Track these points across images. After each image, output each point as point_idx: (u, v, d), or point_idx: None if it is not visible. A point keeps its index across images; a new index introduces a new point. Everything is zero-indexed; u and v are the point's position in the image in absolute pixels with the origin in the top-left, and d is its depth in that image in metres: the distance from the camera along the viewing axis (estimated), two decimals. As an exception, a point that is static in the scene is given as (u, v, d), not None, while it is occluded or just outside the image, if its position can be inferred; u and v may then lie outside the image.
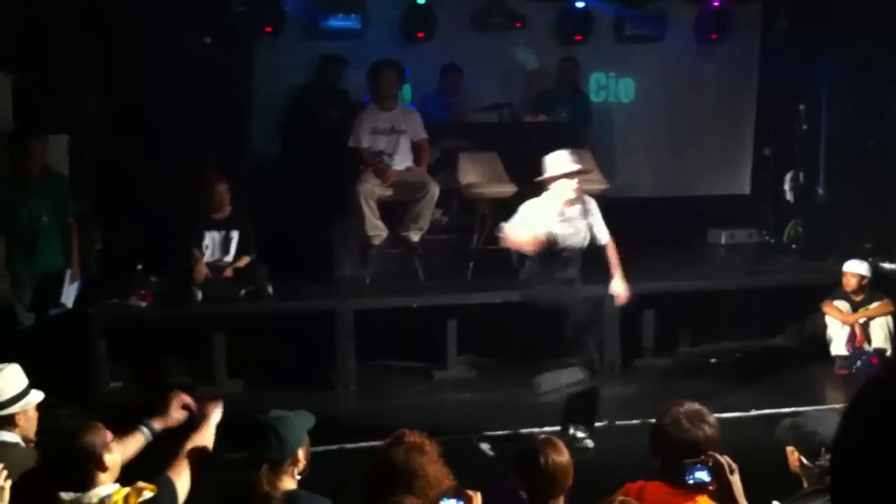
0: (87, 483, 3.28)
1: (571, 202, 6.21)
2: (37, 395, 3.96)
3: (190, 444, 3.57)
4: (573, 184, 6.18)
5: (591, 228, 6.32)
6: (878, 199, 9.38)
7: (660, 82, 10.88)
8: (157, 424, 3.83)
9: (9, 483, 3.33)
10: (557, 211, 6.16)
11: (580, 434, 6.34)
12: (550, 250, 6.18)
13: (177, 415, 3.84)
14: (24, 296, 7.00)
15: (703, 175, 10.99)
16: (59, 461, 3.31)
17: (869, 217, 9.40)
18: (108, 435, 3.39)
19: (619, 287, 6.41)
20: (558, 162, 6.19)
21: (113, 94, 8.44)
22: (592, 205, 6.38)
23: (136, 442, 3.77)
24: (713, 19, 10.72)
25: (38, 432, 3.91)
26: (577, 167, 6.22)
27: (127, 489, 3.28)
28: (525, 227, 6.12)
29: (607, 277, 6.48)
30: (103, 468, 3.31)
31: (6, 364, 3.98)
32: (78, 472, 3.27)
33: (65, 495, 3.25)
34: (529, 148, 8.93)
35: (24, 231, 7.03)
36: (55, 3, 8.03)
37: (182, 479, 3.47)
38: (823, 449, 3.52)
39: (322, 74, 9.62)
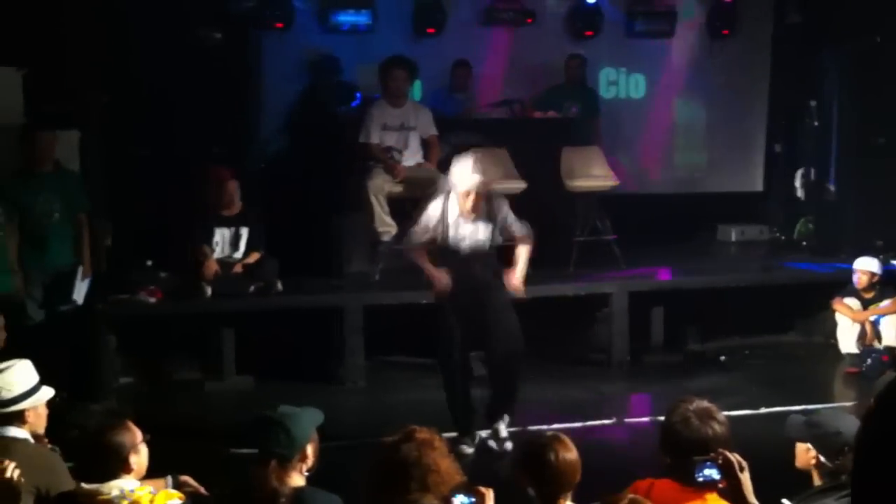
0: (108, 478, 3.28)
1: (473, 207, 6.09)
2: (47, 392, 3.97)
3: None
4: (471, 194, 6.04)
5: (495, 229, 6.17)
6: (889, 196, 9.34)
7: (671, 78, 10.85)
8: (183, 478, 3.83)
9: (17, 474, 3.33)
10: (457, 213, 6.11)
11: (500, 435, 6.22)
12: (449, 251, 6.15)
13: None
14: (35, 292, 7.01)
15: (714, 172, 10.96)
16: (85, 455, 3.31)
17: (880, 214, 9.36)
18: (139, 435, 3.39)
19: (516, 278, 6.19)
20: (460, 173, 6.10)
21: (123, 90, 8.45)
22: (501, 205, 6.24)
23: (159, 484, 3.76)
24: (724, 15, 10.69)
25: (68, 425, 3.92)
26: (472, 184, 6.03)
27: (150, 489, 3.28)
28: (419, 255, 6.17)
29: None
30: (128, 470, 3.31)
31: (17, 360, 4.00)
32: (102, 469, 3.28)
33: (85, 486, 3.25)
34: (539, 144, 8.99)
35: (35, 227, 7.04)
36: (65, -1, 8.04)
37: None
38: (846, 448, 3.49)
39: (317, 77, 9.59)
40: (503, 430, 6.27)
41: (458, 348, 6.21)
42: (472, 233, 6.16)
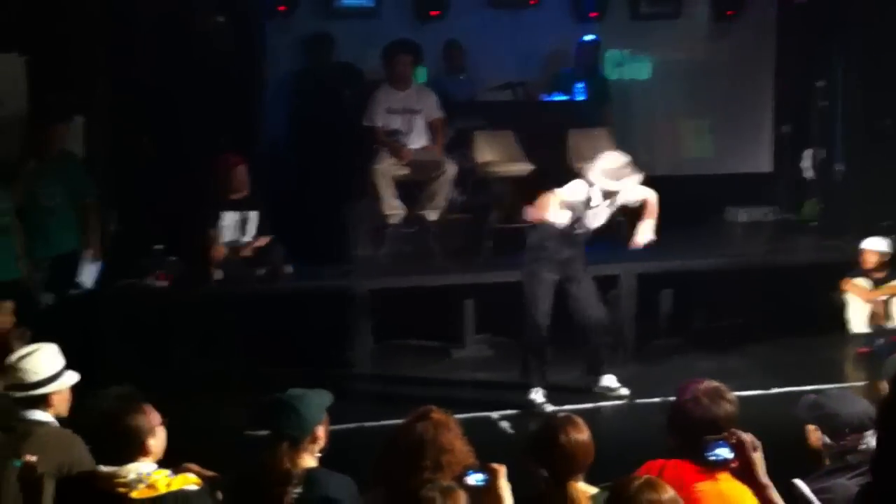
0: (126, 461, 3.29)
1: (611, 194, 6.71)
2: (72, 377, 3.99)
3: None
4: (615, 182, 6.66)
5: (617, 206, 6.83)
6: (897, 177, 9.31)
7: (676, 60, 10.80)
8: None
9: (38, 461, 3.34)
10: (594, 196, 6.68)
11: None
12: (564, 229, 6.64)
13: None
14: (42, 277, 7.03)
15: (721, 153, 10.92)
16: (102, 438, 3.32)
17: (888, 194, 9.31)
18: (156, 418, 3.40)
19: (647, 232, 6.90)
20: (611, 170, 6.68)
21: (127, 75, 8.43)
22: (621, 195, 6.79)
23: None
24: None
25: (80, 408, 3.93)
26: (618, 185, 6.68)
27: (168, 472, 3.28)
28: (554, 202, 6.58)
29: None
30: (146, 452, 3.32)
31: (43, 343, 4.01)
32: (120, 452, 3.28)
33: (103, 468, 3.26)
34: (545, 126, 8.96)
35: (38, 213, 7.05)
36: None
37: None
38: (847, 429, 3.51)
39: (313, 55, 9.55)
40: (613, 382, 6.97)
41: (545, 313, 6.78)
42: (593, 219, 6.78)
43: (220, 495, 3.46)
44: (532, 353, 6.91)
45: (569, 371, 7.26)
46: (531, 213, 6.70)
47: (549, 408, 6.68)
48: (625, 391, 6.99)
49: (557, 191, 6.65)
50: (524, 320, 6.89)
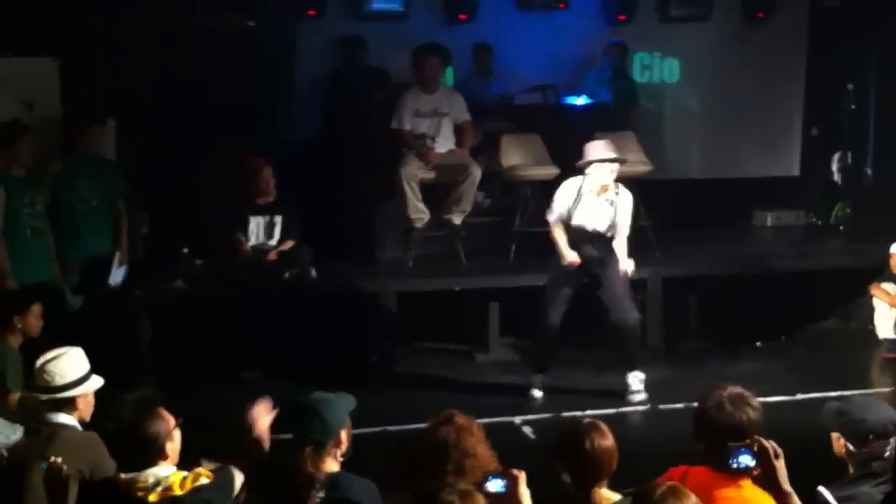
0: (146, 466, 3.32)
1: (604, 189, 6.85)
2: (97, 381, 4.04)
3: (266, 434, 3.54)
4: (608, 170, 6.82)
5: (613, 218, 6.95)
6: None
7: (706, 62, 10.76)
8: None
9: (66, 468, 3.38)
10: (589, 191, 6.85)
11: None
12: (576, 234, 6.92)
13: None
14: (72, 279, 7.10)
15: (750, 156, 10.86)
16: (122, 446, 3.35)
17: (918, 198, 9.24)
18: (172, 422, 3.43)
19: (624, 264, 7.05)
20: (595, 149, 6.88)
21: (158, 79, 8.51)
22: (622, 198, 6.96)
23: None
24: (760, -2, 10.57)
25: (100, 414, 3.97)
26: (610, 155, 6.85)
27: (184, 473, 3.32)
28: (558, 231, 6.94)
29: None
30: (164, 457, 3.35)
31: (70, 347, 4.06)
32: (139, 459, 3.31)
33: (123, 475, 3.30)
34: (572, 130, 8.95)
35: (71, 215, 7.13)
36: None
37: (238, 473, 3.48)
38: (871, 436, 3.48)
39: (346, 57, 9.60)
40: (635, 382, 7.08)
41: (560, 313, 6.99)
42: (597, 219, 6.93)
43: (239, 477, 3.45)
44: (538, 349, 7.23)
45: (579, 373, 7.41)
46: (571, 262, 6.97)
47: (539, 394, 7.14)
48: (641, 396, 7.07)
49: (550, 216, 7.00)
50: (539, 317, 7.08)
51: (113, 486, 3.34)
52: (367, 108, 9.16)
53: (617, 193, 6.95)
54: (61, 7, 7.88)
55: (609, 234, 6.99)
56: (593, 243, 6.98)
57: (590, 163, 6.84)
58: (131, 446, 3.34)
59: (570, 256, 6.90)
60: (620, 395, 7.07)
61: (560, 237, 6.94)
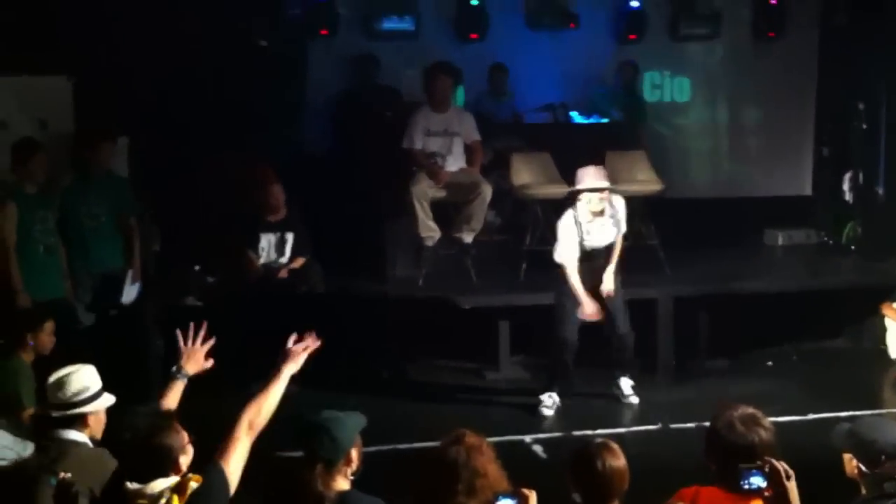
0: (158, 479, 3.32)
1: (598, 212, 7.10)
2: (108, 399, 4.04)
3: (253, 408, 3.54)
4: (598, 198, 7.05)
5: (618, 229, 7.23)
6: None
7: (716, 81, 10.78)
8: (191, 369, 3.92)
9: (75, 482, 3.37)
10: (587, 219, 7.10)
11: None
12: (587, 253, 7.16)
13: (207, 364, 3.95)
14: (83, 295, 7.13)
15: (761, 175, 10.86)
16: (134, 459, 3.35)
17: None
18: (185, 437, 3.43)
19: (608, 282, 7.19)
20: (587, 176, 7.08)
21: (171, 96, 8.55)
22: (619, 205, 7.23)
23: (177, 391, 3.89)
24: (770, 17, 10.58)
25: (114, 428, 3.97)
26: (602, 184, 7.05)
27: (177, 479, 3.30)
28: (572, 273, 7.09)
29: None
30: (178, 471, 3.35)
31: (82, 365, 4.07)
32: (153, 471, 3.31)
33: (130, 485, 3.30)
34: (583, 148, 8.96)
35: (83, 231, 7.16)
36: (114, 8, 8.15)
37: (234, 460, 3.44)
38: (883, 456, 3.47)
39: (358, 75, 9.65)
40: (626, 386, 7.38)
41: (574, 326, 7.16)
42: (600, 235, 7.18)
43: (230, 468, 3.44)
44: (556, 365, 7.28)
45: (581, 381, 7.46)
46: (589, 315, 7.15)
47: (548, 413, 7.20)
48: (634, 400, 7.36)
49: (561, 259, 7.14)
50: (552, 334, 7.18)
51: (118, 496, 3.33)
52: (378, 126, 9.20)
53: (612, 205, 7.17)
54: (75, 26, 7.94)
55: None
56: (600, 256, 7.22)
57: (581, 191, 7.05)
58: (145, 458, 3.34)
59: (590, 309, 7.07)
60: (632, 413, 7.07)
61: (576, 282, 7.07)
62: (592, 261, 7.19)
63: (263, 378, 3.68)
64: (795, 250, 10.09)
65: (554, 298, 7.27)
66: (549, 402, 7.24)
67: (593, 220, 7.12)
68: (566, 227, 7.12)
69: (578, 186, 7.07)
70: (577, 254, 7.09)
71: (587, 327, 7.17)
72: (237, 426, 3.48)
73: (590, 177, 7.07)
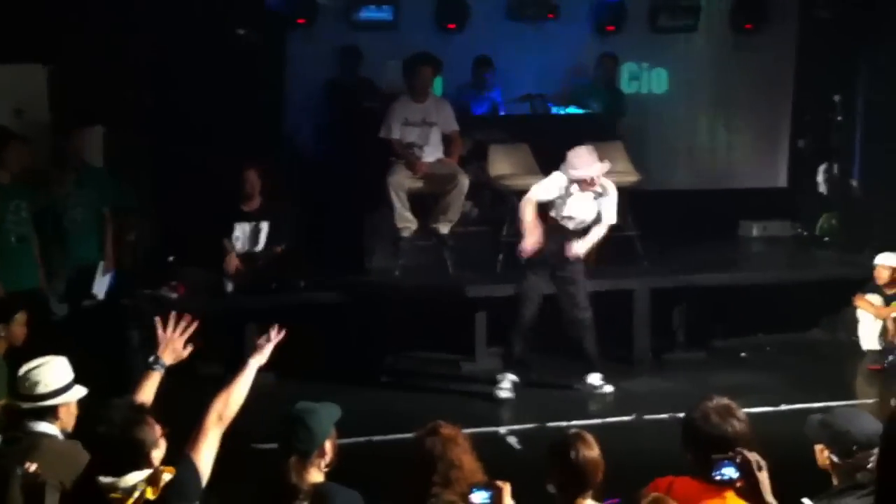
0: (129, 472, 3.30)
1: (590, 184, 7.03)
2: (79, 391, 4.01)
3: (221, 399, 3.55)
4: (591, 176, 7.00)
5: (599, 211, 7.11)
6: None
7: (694, 73, 10.78)
8: (168, 359, 3.89)
9: (42, 472, 3.35)
10: (573, 188, 7.04)
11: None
12: (559, 226, 7.05)
13: (185, 353, 3.93)
14: (57, 287, 7.08)
15: (738, 167, 10.89)
16: (108, 452, 3.33)
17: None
18: (159, 430, 3.42)
19: (578, 246, 7.10)
20: (579, 158, 7.04)
21: (147, 86, 8.50)
22: (610, 189, 7.14)
23: (153, 382, 3.86)
24: (749, 9, 10.61)
25: (86, 418, 3.95)
26: (593, 172, 7.00)
27: (149, 472, 3.29)
28: (531, 209, 7.02)
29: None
30: (149, 465, 3.33)
31: (53, 357, 4.03)
32: (124, 464, 3.30)
33: (102, 479, 3.28)
34: (561, 140, 8.96)
35: (58, 223, 7.11)
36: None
37: (205, 451, 3.45)
38: (856, 447, 3.49)
39: (342, 67, 9.61)
40: (595, 380, 7.34)
41: (535, 304, 7.17)
42: (577, 210, 7.10)
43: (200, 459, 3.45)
44: (514, 343, 7.28)
45: (554, 371, 7.51)
46: (525, 250, 7.08)
47: (505, 395, 7.21)
48: (609, 388, 7.33)
49: (531, 192, 7.07)
50: (514, 314, 7.20)
51: (91, 490, 3.31)
52: (357, 117, 9.16)
53: (602, 187, 7.11)
54: (51, 14, 7.87)
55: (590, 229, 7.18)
56: (571, 238, 7.13)
57: (584, 180, 7.04)
58: (117, 451, 3.32)
59: (530, 241, 6.98)
60: (608, 404, 7.10)
61: (530, 215, 7.02)
62: (557, 237, 7.13)
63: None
64: (771, 242, 10.13)
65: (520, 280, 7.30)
66: (507, 384, 7.25)
67: (577, 192, 7.08)
68: (552, 179, 7.10)
69: (578, 173, 7.02)
70: (546, 199, 7.05)
71: (553, 313, 7.08)
72: (206, 418, 3.48)
73: (583, 159, 7.04)
